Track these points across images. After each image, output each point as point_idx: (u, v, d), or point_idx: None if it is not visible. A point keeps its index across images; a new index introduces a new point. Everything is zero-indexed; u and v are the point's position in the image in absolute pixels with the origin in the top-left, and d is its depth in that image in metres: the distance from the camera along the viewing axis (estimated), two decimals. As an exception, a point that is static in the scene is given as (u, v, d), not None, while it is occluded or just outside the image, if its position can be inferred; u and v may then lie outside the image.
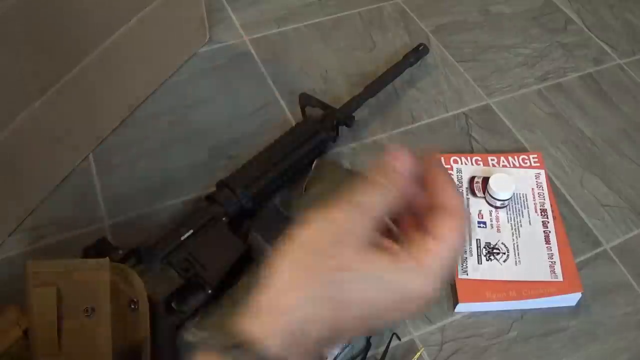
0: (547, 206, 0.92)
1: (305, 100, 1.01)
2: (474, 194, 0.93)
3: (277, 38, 1.20)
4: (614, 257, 0.90)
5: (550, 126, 1.06)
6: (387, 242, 0.37)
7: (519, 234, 0.89)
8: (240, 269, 0.83)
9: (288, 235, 0.35)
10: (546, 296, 0.82)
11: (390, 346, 0.79)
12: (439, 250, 0.35)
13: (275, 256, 0.35)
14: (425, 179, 0.38)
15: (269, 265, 0.35)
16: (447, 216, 0.36)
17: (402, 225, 0.39)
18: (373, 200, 0.36)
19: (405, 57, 1.10)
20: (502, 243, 0.88)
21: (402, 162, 0.37)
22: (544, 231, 0.89)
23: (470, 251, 0.87)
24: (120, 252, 0.78)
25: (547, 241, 0.88)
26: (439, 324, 0.82)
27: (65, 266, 0.69)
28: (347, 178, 0.93)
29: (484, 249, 0.87)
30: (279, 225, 0.84)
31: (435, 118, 1.07)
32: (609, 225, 0.93)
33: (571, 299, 0.83)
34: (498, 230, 0.89)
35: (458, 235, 0.36)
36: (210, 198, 0.86)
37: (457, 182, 0.94)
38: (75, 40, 0.87)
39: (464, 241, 0.36)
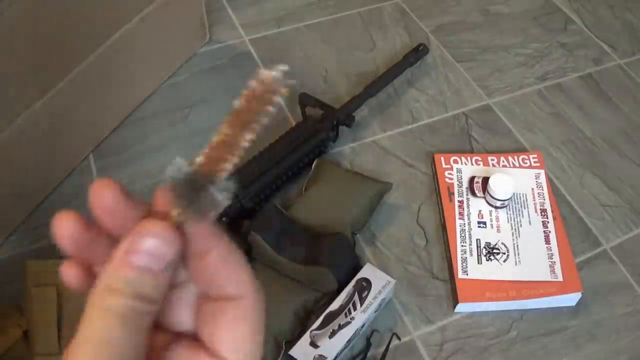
0: (547, 206, 0.92)
1: (305, 100, 1.01)
2: (474, 194, 0.93)
3: (277, 38, 1.20)
4: (614, 257, 0.90)
5: (550, 126, 1.06)
6: None
7: (519, 234, 0.89)
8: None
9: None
10: (546, 296, 0.82)
11: (390, 346, 0.79)
12: None
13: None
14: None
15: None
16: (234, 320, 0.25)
17: None
18: None
19: (405, 57, 1.10)
20: (502, 243, 0.88)
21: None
22: (544, 231, 0.89)
23: (470, 251, 0.87)
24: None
25: (547, 241, 0.88)
26: (439, 324, 0.82)
27: (65, 266, 0.69)
28: (346, 178, 0.93)
29: (484, 249, 0.87)
30: (279, 225, 0.85)
31: (435, 118, 1.07)
32: (609, 225, 0.93)
33: (571, 299, 0.83)
34: (498, 230, 0.89)
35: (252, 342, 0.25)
36: (210, 198, 0.86)
37: (457, 182, 0.94)
38: (76, 41, 0.87)
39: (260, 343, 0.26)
